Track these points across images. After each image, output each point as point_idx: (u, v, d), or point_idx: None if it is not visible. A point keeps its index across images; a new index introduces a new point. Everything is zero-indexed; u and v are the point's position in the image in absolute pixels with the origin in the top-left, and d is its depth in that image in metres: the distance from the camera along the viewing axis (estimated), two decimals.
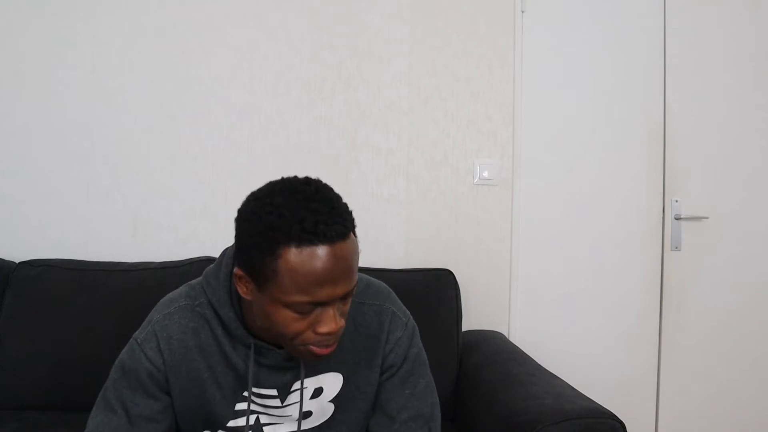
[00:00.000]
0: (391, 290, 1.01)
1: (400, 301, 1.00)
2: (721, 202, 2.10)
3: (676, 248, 2.09)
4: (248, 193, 0.81)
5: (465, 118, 1.99)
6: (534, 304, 2.03)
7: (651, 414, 2.09)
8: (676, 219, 2.08)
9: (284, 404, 0.93)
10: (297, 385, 0.92)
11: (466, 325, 1.82)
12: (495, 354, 1.63)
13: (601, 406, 1.21)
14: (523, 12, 2.02)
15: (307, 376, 0.92)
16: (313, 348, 0.80)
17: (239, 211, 0.80)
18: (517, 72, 2.01)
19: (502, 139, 2.00)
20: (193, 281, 0.95)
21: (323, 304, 0.77)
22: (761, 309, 2.12)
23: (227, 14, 1.90)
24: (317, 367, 0.92)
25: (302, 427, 0.95)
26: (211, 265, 0.93)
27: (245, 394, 0.91)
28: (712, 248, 2.10)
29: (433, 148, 1.97)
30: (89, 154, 1.85)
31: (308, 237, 0.73)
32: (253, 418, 0.93)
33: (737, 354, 2.11)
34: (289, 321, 0.77)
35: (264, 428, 0.94)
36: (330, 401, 0.95)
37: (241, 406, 0.92)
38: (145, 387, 0.89)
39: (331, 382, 0.94)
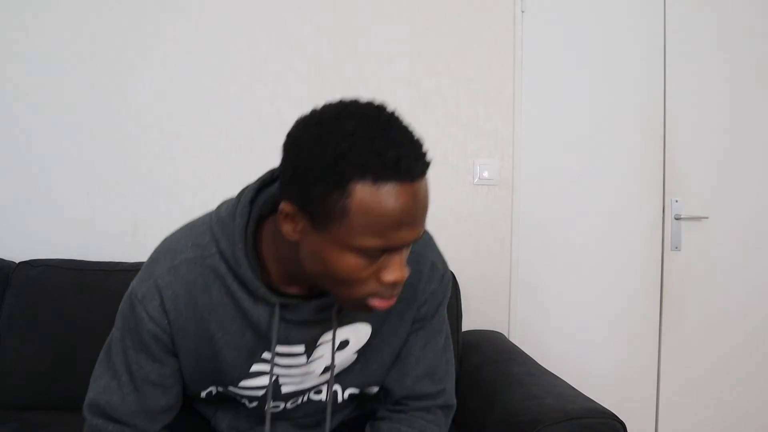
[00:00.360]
0: (431, 234, 0.91)
1: (438, 248, 0.92)
2: (721, 202, 2.10)
3: (676, 248, 2.09)
4: None
5: (465, 118, 1.98)
6: (534, 304, 2.03)
7: (651, 414, 2.09)
8: (676, 219, 2.08)
9: (309, 360, 0.85)
10: (324, 337, 0.84)
11: (466, 325, 1.82)
12: (495, 354, 1.63)
13: (601, 406, 1.21)
14: (523, 12, 2.01)
15: (348, 323, 0.84)
16: (374, 300, 0.70)
17: (292, 137, 0.67)
18: (517, 72, 2.01)
19: (502, 139, 2.00)
20: (198, 223, 0.82)
21: (394, 249, 0.66)
22: (761, 309, 2.12)
23: (227, 14, 1.90)
24: (347, 317, 0.83)
25: (320, 381, 0.89)
26: (223, 210, 0.80)
27: (265, 355, 0.82)
28: (712, 248, 2.10)
29: (433, 148, 1.96)
30: (89, 154, 1.85)
31: (388, 172, 0.61)
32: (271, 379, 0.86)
33: (737, 354, 2.11)
34: (352, 268, 0.66)
35: (282, 388, 0.87)
36: (354, 352, 0.88)
37: (258, 367, 0.84)
38: (150, 350, 0.79)
39: (359, 334, 0.86)
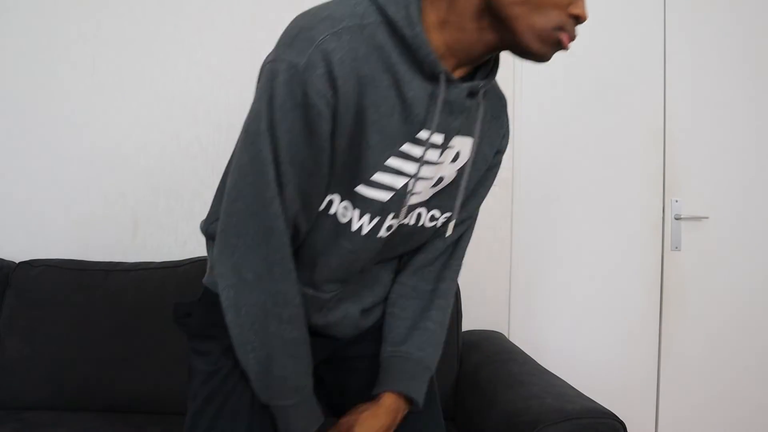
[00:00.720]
0: None
1: None
2: (721, 202, 2.10)
3: (676, 248, 2.09)
4: None
5: None
6: (534, 304, 2.03)
7: (651, 414, 2.09)
8: (676, 219, 2.08)
9: (438, 160, 0.83)
10: (454, 141, 0.83)
11: (466, 325, 1.82)
12: (495, 354, 1.63)
13: (601, 406, 1.21)
14: None
15: (465, 134, 0.83)
16: (562, 33, 0.76)
17: None
18: (517, 72, 2.01)
19: None
20: None
21: None
22: (761, 309, 2.12)
23: (227, 14, 1.90)
24: (470, 127, 0.84)
25: (427, 196, 0.86)
26: None
27: (404, 147, 0.78)
28: (712, 248, 2.10)
29: None
30: (89, 154, 1.85)
31: None
32: (401, 181, 0.80)
33: (737, 354, 2.11)
34: None
35: (410, 197, 0.83)
36: (456, 170, 0.87)
37: (394, 161, 0.78)
38: (311, 131, 0.72)
39: (465, 150, 0.86)
